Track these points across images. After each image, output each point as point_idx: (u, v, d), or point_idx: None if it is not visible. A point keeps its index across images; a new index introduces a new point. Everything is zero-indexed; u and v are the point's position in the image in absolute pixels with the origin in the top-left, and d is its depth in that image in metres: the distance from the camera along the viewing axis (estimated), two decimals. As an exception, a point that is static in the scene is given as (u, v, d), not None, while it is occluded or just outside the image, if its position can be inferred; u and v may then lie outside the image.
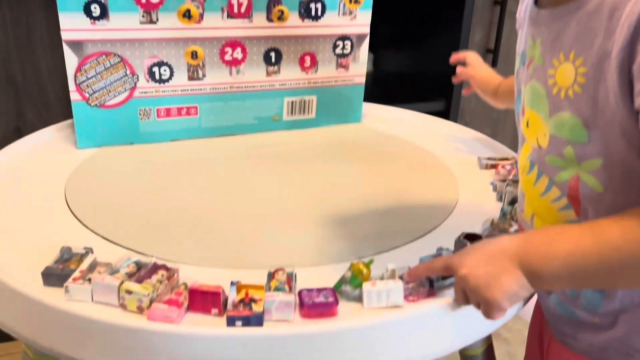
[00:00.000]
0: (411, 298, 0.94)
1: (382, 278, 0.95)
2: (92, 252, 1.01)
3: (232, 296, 0.90)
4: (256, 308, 0.88)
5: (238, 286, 0.91)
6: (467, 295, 0.82)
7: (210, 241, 1.13)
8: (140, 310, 0.90)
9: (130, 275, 0.95)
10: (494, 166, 1.39)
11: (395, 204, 1.26)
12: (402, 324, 0.90)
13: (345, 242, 1.12)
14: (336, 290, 0.95)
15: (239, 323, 0.87)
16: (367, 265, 0.95)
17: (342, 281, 0.96)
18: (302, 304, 0.92)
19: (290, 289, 0.92)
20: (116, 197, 1.27)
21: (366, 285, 0.93)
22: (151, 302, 0.90)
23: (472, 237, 1.01)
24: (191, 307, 0.93)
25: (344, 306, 0.92)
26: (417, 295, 0.93)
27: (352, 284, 0.94)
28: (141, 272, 0.97)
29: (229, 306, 0.90)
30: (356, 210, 1.24)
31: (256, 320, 0.87)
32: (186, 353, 0.83)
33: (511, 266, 0.76)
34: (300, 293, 0.94)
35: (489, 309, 0.78)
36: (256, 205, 1.26)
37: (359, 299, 0.93)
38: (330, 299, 0.92)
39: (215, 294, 0.91)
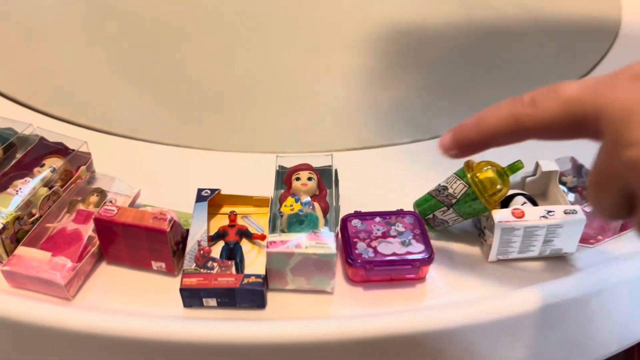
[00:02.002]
0: (592, 241, 0.56)
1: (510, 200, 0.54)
2: None
3: (197, 236, 0.51)
4: (253, 269, 0.50)
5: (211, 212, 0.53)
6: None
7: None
8: None
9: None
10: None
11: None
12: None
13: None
14: (423, 219, 0.55)
15: (209, 301, 0.48)
16: (507, 170, 0.54)
17: (434, 199, 0.55)
18: (352, 259, 0.51)
19: (326, 220, 0.53)
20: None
21: (500, 214, 0.52)
22: (17, 238, 0.52)
23: None
24: (106, 255, 0.53)
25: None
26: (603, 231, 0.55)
27: (462, 206, 0.53)
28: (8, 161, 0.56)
29: (188, 260, 0.50)
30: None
31: (250, 295, 0.48)
32: None
33: None
34: (345, 230, 0.54)
35: None
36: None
37: (482, 238, 0.57)
38: (416, 245, 0.52)
39: (155, 231, 0.49)
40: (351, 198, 0.57)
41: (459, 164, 0.55)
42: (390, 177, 0.64)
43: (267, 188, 0.57)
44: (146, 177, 0.61)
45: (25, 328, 0.47)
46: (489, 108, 0.40)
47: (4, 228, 0.49)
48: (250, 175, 0.64)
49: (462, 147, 0.42)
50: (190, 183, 0.60)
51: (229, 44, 0.88)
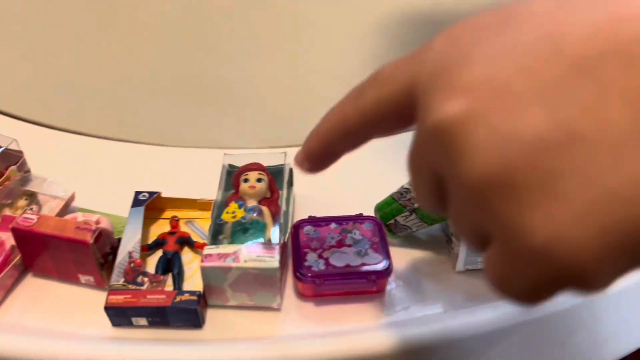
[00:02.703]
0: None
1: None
2: None
3: (129, 246, 0.46)
4: (193, 282, 0.46)
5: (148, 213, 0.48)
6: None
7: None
8: None
9: None
10: None
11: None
12: None
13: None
14: (384, 224, 0.50)
15: (139, 320, 0.43)
16: None
17: (396, 203, 0.49)
18: (301, 272, 0.47)
19: (275, 221, 0.47)
20: None
21: None
22: None
23: None
24: (30, 267, 0.47)
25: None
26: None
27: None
28: None
29: (117, 275, 0.44)
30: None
31: (184, 314, 0.43)
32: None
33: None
34: (296, 238, 0.49)
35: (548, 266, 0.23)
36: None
37: (449, 245, 0.51)
38: (373, 255, 0.46)
39: (78, 243, 0.44)
40: (307, 201, 0.52)
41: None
42: (352, 176, 0.58)
43: (213, 189, 0.52)
44: (84, 175, 0.56)
45: None
46: (332, 107, 0.32)
47: None
48: (198, 173, 0.58)
49: (310, 159, 0.34)
50: (134, 182, 0.54)
51: (181, 33, 0.82)
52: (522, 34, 0.23)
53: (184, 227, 0.50)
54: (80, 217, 0.46)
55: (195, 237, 0.49)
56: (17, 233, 0.44)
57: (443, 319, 0.45)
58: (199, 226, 0.50)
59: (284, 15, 0.86)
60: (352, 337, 0.43)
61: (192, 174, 0.58)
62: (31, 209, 0.47)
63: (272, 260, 0.42)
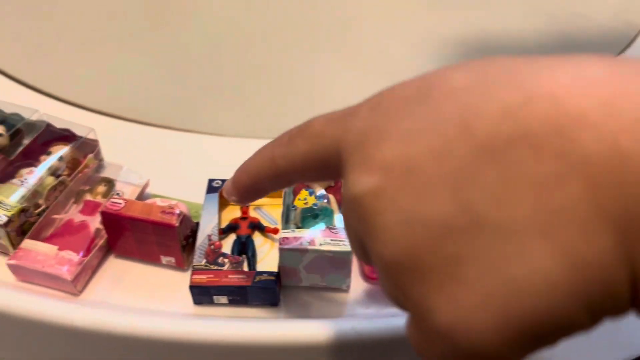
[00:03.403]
0: None
1: None
2: None
3: (208, 230, 0.49)
4: (266, 264, 0.48)
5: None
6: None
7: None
8: (1, 248, 0.50)
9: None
10: None
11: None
12: None
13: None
14: None
15: (220, 299, 0.46)
16: None
17: None
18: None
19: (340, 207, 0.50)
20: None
21: None
22: (23, 230, 0.50)
23: None
24: (114, 249, 0.51)
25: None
26: None
27: None
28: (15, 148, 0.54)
29: (198, 256, 0.48)
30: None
31: (263, 294, 0.46)
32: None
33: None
34: None
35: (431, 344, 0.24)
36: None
37: None
38: None
39: (164, 226, 0.47)
40: (368, 189, 0.55)
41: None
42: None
43: (280, 178, 0.55)
44: (155, 164, 0.59)
45: (31, 324, 0.46)
46: (263, 146, 0.33)
47: (10, 221, 0.48)
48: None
49: (238, 193, 0.35)
50: (201, 171, 0.57)
51: (243, 28, 0.85)
52: (438, 112, 0.23)
53: (252, 213, 0.53)
54: (159, 202, 0.49)
55: (264, 223, 0.52)
56: (106, 216, 0.47)
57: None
58: (267, 212, 0.53)
59: (330, 14, 0.89)
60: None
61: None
62: (117, 193, 0.51)
63: (346, 244, 0.45)
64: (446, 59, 0.78)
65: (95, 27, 0.84)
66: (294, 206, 0.49)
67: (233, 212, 0.54)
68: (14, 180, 0.52)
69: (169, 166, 0.60)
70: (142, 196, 0.54)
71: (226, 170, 0.59)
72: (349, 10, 0.88)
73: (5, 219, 0.47)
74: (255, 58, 0.79)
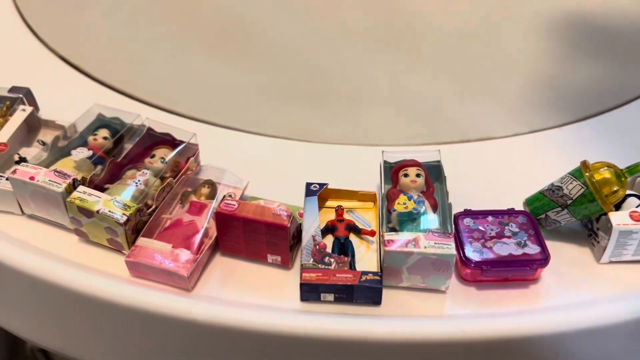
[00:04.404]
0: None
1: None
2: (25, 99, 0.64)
3: (312, 231, 0.51)
4: (363, 265, 0.51)
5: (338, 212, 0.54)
6: None
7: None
8: (115, 245, 0.54)
9: (95, 162, 0.56)
10: None
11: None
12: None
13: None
14: (535, 217, 0.55)
15: (327, 296, 0.49)
16: (625, 171, 0.54)
17: (547, 199, 0.56)
18: (467, 259, 0.50)
19: (434, 212, 0.53)
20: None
21: (617, 216, 0.52)
22: (137, 229, 0.53)
23: None
24: (222, 247, 0.54)
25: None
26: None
27: (578, 207, 0.52)
28: (121, 154, 0.59)
29: (305, 255, 0.50)
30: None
31: (368, 292, 0.49)
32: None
33: None
34: (458, 229, 0.53)
35: None
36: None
37: (594, 239, 0.55)
38: (532, 246, 0.51)
39: (276, 227, 0.50)
40: (453, 195, 0.57)
41: (566, 161, 0.55)
42: (499, 173, 0.63)
43: (366, 181, 0.58)
44: (249, 168, 0.62)
45: (152, 317, 0.49)
46: None
47: (128, 220, 0.51)
48: (348, 168, 0.64)
49: None
50: (292, 175, 0.60)
51: (330, 36, 0.87)
52: None
53: (346, 216, 0.56)
54: (262, 203, 0.52)
55: (359, 225, 0.55)
56: (220, 217, 0.50)
57: (595, 305, 0.49)
58: (360, 215, 0.56)
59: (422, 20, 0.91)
60: (516, 319, 0.48)
61: (342, 169, 0.64)
62: (230, 196, 0.54)
63: (450, 247, 0.47)
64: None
65: (196, 38, 0.87)
66: (394, 210, 0.51)
67: (328, 215, 0.56)
68: (128, 182, 0.55)
69: (259, 170, 0.63)
70: (241, 198, 0.57)
71: (317, 175, 0.62)
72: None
73: (124, 218, 0.50)
74: (341, 70, 0.81)
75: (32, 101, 0.68)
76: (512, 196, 0.56)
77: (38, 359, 1.13)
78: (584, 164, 0.52)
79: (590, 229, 0.54)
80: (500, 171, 0.63)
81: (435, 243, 0.48)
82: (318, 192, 0.55)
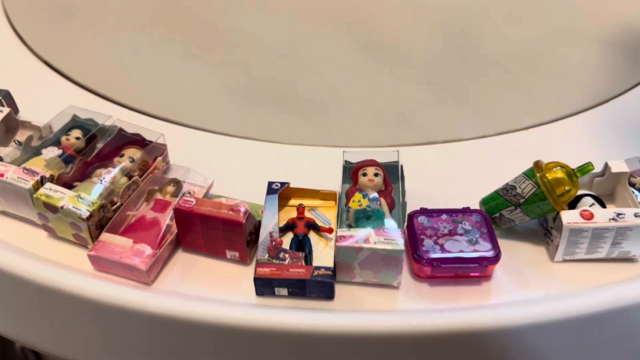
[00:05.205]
0: None
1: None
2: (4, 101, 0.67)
3: (270, 227, 0.53)
4: (321, 261, 0.52)
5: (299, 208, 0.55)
6: None
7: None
8: (80, 240, 0.56)
9: (66, 161, 0.59)
10: None
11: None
12: None
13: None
14: (490, 217, 0.56)
15: (281, 290, 0.50)
16: (576, 171, 0.55)
17: (502, 198, 0.57)
18: (419, 255, 0.53)
19: (391, 215, 0.54)
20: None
21: (568, 215, 0.53)
22: (101, 225, 0.55)
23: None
24: (183, 243, 0.56)
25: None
26: None
27: (530, 206, 0.54)
28: (92, 153, 0.61)
29: (262, 251, 0.52)
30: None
31: (320, 287, 0.50)
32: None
33: None
34: (412, 226, 0.54)
35: None
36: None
37: (548, 238, 0.57)
38: (484, 243, 0.53)
39: (232, 223, 0.51)
40: (415, 194, 0.58)
41: (526, 162, 0.56)
42: (455, 174, 0.65)
43: (329, 181, 0.59)
44: (216, 168, 0.64)
45: (109, 309, 0.51)
46: None
47: (91, 215, 0.53)
48: (314, 168, 0.65)
49: None
50: (258, 175, 0.62)
51: (296, 41, 0.89)
52: None
53: (307, 214, 0.57)
54: (223, 201, 0.54)
55: (319, 223, 0.56)
56: (179, 213, 0.51)
57: (544, 302, 0.50)
58: (321, 213, 0.57)
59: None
60: (466, 314, 0.49)
61: (307, 169, 0.65)
62: (189, 193, 0.55)
63: (398, 243, 0.48)
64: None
65: (168, 41, 0.89)
66: (348, 207, 0.53)
67: (290, 213, 0.58)
68: (93, 179, 0.57)
69: (226, 170, 0.64)
70: (206, 196, 0.59)
71: (282, 175, 0.63)
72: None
73: (87, 213, 0.52)
74: (306, 73, 0.83)
75: (11, 103, 0.70)
76: (473, 196, 0.58)
77: (28, 358, 1.14)
78: (537, 163, 0.53)
79: (545, 227, 0.55)
80: (464, 172, 0.64)
81: (385, 239, 0.49)
82: (279, 191, 0.56)
